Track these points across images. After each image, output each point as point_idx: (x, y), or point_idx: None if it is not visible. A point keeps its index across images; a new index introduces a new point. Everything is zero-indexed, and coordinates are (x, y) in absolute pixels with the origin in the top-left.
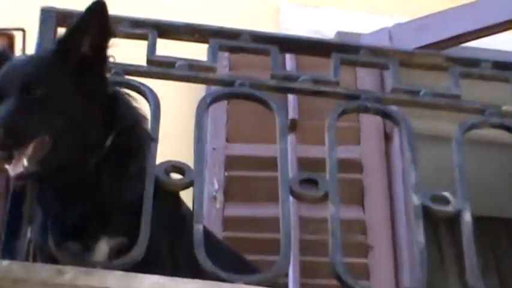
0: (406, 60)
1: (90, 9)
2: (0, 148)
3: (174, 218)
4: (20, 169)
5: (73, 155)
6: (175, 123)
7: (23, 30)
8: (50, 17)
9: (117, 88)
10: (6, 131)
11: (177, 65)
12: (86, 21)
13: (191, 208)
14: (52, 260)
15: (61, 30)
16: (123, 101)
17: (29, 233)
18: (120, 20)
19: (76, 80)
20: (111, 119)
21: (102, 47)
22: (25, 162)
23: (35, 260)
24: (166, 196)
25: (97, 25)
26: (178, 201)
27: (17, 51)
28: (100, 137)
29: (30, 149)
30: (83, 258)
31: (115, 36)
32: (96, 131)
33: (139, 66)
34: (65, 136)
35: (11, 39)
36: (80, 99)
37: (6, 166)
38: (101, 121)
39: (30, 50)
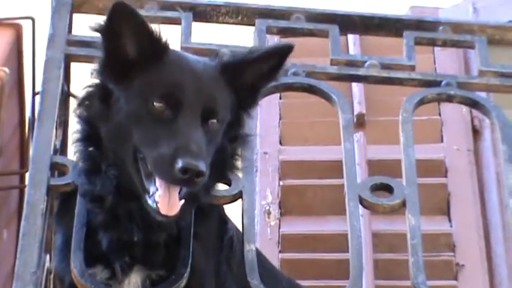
0: (497, 36)
1: (280, 48)
2: (189, 183)
3: (219, 239)
4: (175, 211)
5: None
6: None
7: (32, 19)
8: (64, 3)
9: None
10: (204, 174)
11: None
12: (266, 56)
13: (239, 226)
14: None
15: (77, 17)
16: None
17: (47, 262)
18: (145, 2)
19: (233, 116)
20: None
21: (259, 88)
22: (180, 204)
23: None
24: (209, 212)
25: (275, 65)
26: (224, 218)
27: (26, 43)
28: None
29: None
30: None
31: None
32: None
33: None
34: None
35: (18, 29)
36: (225, 142)
37: (147, 198)
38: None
39: (40, 41)
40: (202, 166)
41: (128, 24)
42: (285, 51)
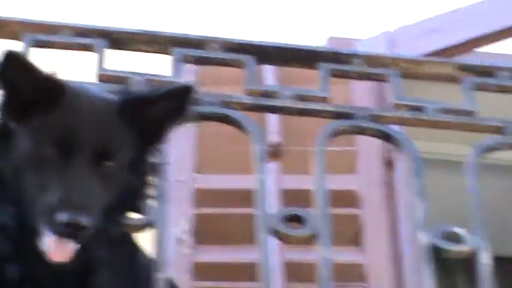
0: (410, 70)
1: (179, 89)
2: (72, 236)
3: (129, 269)
4: (64, 257)
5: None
6: None
7: None
8: None
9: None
10: (87, 227)
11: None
12: (166, 96)
13: (152, 254)
14: None
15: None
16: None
17: None
18: (60, 27)
19: (135, 156)
20: None
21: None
22: (72, 250)
23: None
24: (121, 240)
25: (177, 105)
26: (135, 247)
27: None
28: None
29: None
30: None
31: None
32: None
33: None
34: (105, 224)
35: None
36: (131, 178)
37: (40, 239)
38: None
39: None
40: (84, 219)
41: (21, 73)
42: (184, 93)
